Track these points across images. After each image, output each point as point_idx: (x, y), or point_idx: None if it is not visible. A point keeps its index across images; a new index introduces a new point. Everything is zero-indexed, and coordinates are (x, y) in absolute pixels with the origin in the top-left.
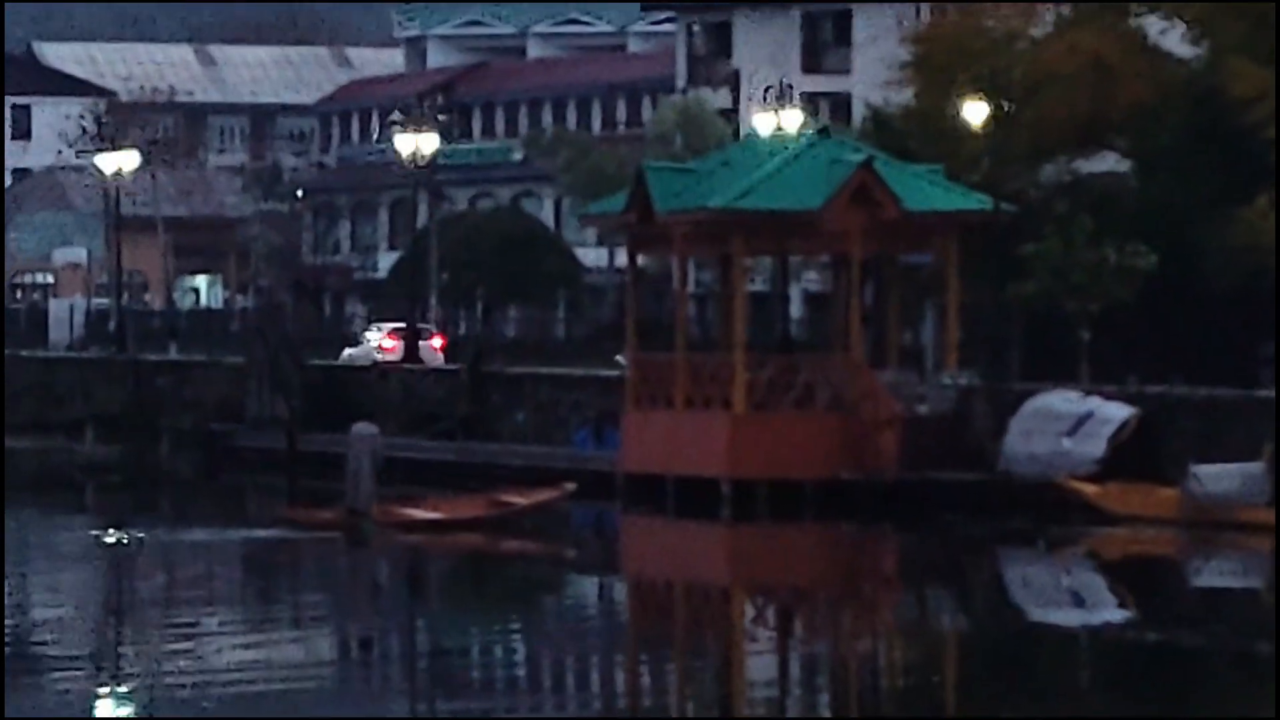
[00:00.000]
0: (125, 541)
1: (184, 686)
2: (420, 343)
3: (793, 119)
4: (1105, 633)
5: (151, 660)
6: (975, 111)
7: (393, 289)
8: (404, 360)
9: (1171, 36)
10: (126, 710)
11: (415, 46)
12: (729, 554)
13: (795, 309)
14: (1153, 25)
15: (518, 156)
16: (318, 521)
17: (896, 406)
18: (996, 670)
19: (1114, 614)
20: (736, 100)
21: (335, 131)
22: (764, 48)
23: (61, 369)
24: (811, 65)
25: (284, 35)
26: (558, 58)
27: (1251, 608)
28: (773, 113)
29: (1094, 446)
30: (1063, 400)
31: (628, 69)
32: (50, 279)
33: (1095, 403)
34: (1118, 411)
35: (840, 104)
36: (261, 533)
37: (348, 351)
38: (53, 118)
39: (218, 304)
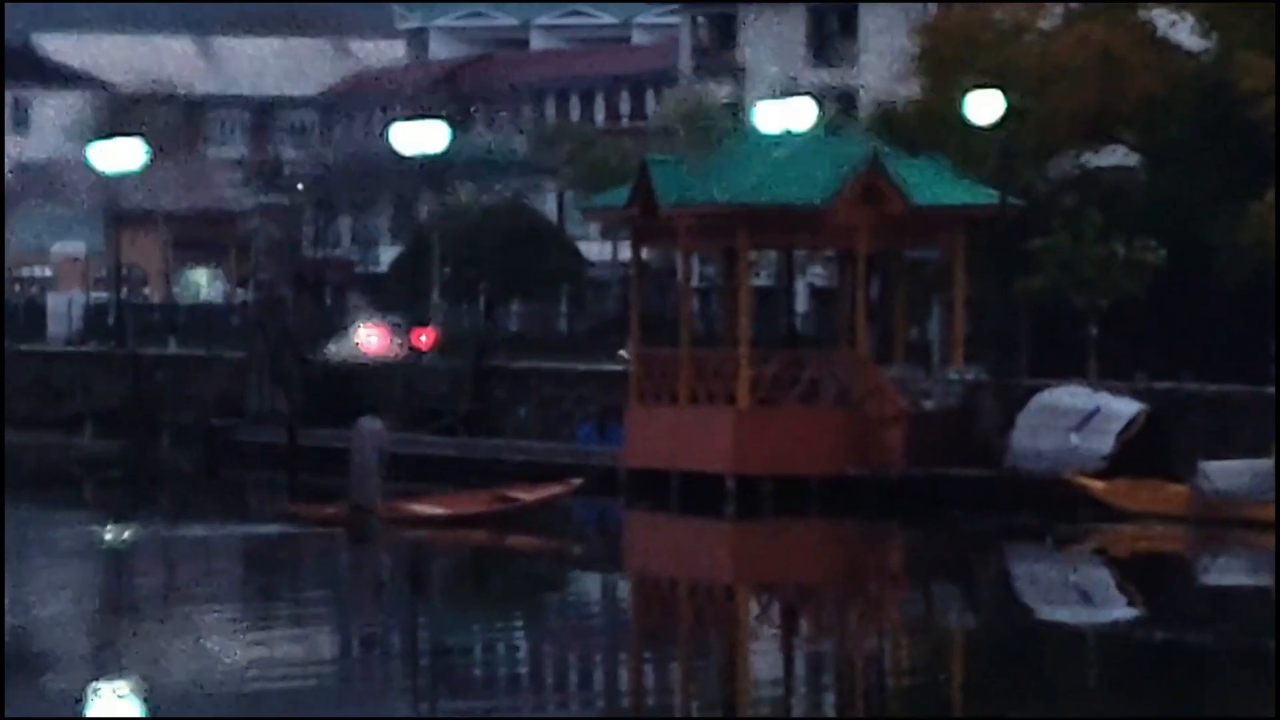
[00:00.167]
0: (125, 538)
1: (184, 684)
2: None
3: (804, 113)
4: (1113, 630)
5: (151, 658)
6: (986, 104)
7: (393, 284)
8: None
9: (1181, 29)
10: (127, 710)
11: (417, 38)
12: (733, 550)
13: (800, 304)
14: (1161, 18)
15: (520, 150)
16: (321, 517)
17: (903, 402)
18: (1003, 668)
19: (1122, 611)
20: (741, 93)
21: (336, 124)
22: (769, 40)
23: (60, 364)
24: (818, 58)
25: (285, 27)
26: (561, 50)
27: (1260, 605)
28: (782, 106)
29: (1102, 442)
30: (1071, 396)
31: (631, 61)
32: (49, 273)
33: (1103, 398)
34: (1126, 407)
35: (847, 97)
36: (263, 528)
37: (330, 345)
38: (52, 111)
39: (218, 298)
